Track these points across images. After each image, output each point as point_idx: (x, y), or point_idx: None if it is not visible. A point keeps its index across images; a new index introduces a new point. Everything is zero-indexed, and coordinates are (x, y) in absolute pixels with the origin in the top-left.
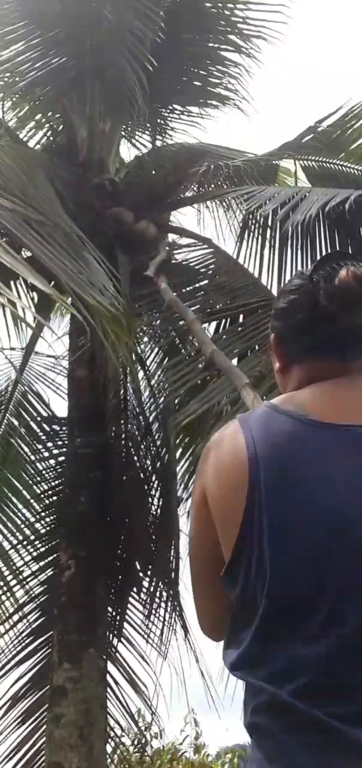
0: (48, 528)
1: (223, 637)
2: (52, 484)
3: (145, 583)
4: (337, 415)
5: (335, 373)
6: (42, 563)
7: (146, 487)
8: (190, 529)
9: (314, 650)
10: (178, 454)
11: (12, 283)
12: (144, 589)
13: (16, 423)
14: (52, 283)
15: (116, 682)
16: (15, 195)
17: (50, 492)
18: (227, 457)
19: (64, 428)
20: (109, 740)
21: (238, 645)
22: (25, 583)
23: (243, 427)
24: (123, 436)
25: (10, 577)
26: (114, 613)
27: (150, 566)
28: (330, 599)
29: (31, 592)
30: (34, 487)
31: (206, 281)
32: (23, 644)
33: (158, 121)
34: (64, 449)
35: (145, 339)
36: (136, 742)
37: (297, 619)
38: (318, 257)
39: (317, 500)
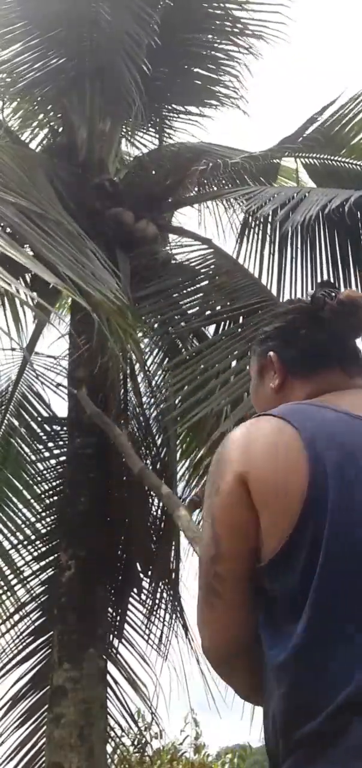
0: (48, 528)
1: (233, 675)
2: (53, 484)
3: (146, 584)
4: None
5: (342, 385)
6: (42, 563)
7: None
8: (213, 527)
9: None
10: (178, 455)
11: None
12: (144, 590)
13: (16, 423)
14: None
15: (116, 682)
16: (16, 194)
17: (50, 492)
18: (276, 438)
19: (64, 428)
20: (109, 740)
21: (290, 638)
22: (25, 582)
23: (284, 414)
24: None
25: (10, 577)
26: (114, 614)
27: (150, 566)
28: None
29: (32, 591)
30: (35, 487)
31: (206, 282)
32: (24, 644)
33: (158, 120)
34: (65, 449)
35: (145, 340)
36: (136, 743)
37: None
38: (318, 258)
39: None
